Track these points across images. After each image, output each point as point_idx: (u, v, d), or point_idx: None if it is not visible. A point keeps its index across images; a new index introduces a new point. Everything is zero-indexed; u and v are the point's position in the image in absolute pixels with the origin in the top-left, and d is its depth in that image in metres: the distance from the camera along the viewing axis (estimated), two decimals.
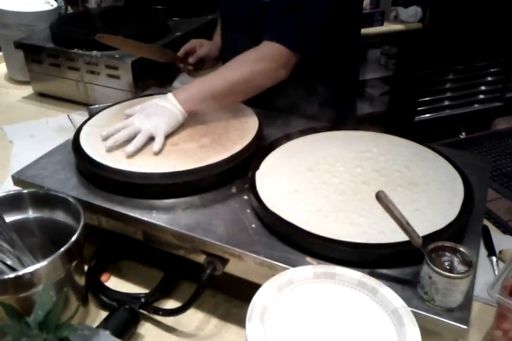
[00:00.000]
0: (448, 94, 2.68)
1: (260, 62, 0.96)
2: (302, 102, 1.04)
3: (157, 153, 0.87)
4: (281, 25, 0.97)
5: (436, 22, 2.38)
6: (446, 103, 2.69)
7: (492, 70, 2.70)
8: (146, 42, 1.39)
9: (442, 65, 2.54)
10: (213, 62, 1.30)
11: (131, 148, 0.87)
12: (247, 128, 0.96)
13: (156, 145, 0.88)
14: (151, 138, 0.90)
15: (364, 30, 2.34)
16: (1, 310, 0.60)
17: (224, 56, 1.21)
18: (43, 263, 0.66)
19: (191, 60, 1.26)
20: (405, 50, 2.58)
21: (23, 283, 0.66)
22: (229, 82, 0.95)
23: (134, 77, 1.32)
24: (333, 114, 1.02)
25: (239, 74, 0.95)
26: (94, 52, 1.34)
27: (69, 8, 1.75)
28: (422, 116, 2.65)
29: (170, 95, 0.95)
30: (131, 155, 0.86)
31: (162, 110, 0.92)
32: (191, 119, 0.99)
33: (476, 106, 2.75)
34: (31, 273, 0.65)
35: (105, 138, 0.90)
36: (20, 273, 0.65)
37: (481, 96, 2.75)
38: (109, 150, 0.88)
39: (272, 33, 0.97)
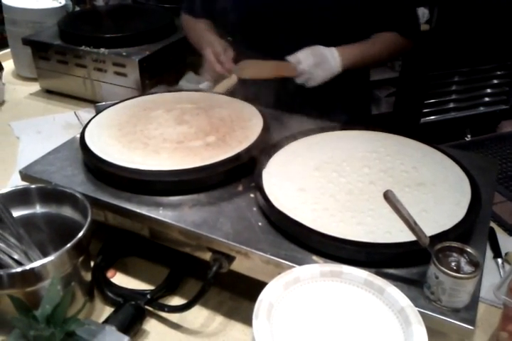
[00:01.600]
0: (453, 97, 2.67)
1: (397, 46, 1.20)
2: (313, 103, 1.08)
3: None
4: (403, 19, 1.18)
5: (443, 24, 2.37)
6: (452, 105, 2.68)
7: (498, 73, 2.68)
8: (153, 40, 1.40)
9: (449, 67, 2.53)
10: None
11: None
12: (252, 127, 0.96)
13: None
14: None
15: None
16: (9, 303, 0.60)
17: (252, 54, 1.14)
18: (51, 257, 0.66)
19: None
20: (412, 51, 2.57)
21: (31, 277, 0.66)
22: (378, 58, 1.20)
23: (141, 75, 1.33)
24: (344, 114, 1.06)
25: (386, 53, 1.19)
26: (102, 50, 1.35)
27: (76, 6, 1.74)
28: (428, 118, 2.64)
29: (339, 58, 1.08)
30: None
31: (327, 67, 1.07)
32: (196, 117, 0.99)
33: (482, 108, 2.74)
34: (39, 268, 0.66)
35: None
36: (28, 267, 0.65)
37: (487, 99, 2.74)
38: None
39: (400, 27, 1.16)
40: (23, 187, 0.82)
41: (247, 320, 0.58)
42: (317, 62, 1.07)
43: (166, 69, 1.44)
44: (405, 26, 1.19)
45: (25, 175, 0.89)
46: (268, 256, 0.71)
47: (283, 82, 1.06)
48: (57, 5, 1.58)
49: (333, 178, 0.83)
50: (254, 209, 0.80)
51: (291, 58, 1.08)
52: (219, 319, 0.80)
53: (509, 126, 2.77)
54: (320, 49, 1.09)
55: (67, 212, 0.80)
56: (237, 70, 1.07)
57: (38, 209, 0.82)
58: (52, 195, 0.81)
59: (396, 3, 1.17)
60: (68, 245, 0.69)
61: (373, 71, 2.74)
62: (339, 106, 1.10)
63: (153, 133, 0.94)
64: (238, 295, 0.83)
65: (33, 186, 0.82)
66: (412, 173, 0.85)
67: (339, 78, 1.11)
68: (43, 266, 0.66)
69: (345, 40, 1.13)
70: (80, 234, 0.71)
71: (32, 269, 0.65)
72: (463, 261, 0.64)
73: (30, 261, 0.75)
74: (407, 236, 0.68)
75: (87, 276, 0.78)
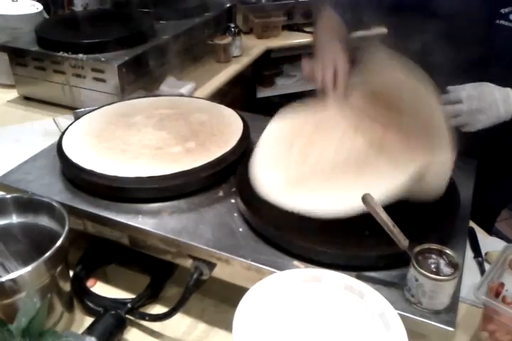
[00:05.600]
0: None
1: None
2: None
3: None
4: None
5: None
6: None
7: None
8: (132, 45, 1.39)
9: None
10: None
11: None
12: (232, 132, 0.96)
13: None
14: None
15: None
16: None
17: None
18: (27, 269, 0.65)
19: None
20: None
21: (6, 290, 0.65)
22: None
23: (121, 81, 1.32)
24: None
25: None
26: (80, 56, 1.33)
27: (45, 13, 1.70)
28: None
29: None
30: None
31: (493, 114, 0.88)
32: (175, 123, 0.99)
33: None
34: (14, 280, 0.64)
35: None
36: (3, 279, 0.64)
37: None
38: None
39: None
40: None
41: (230, 326, 0.57)
42: (482, 108, 0.89)
43: (145, 74, 1.43)
44: None
45: (1, 184, 0.88)
46: (249, 262, 0.71)
47: None
48: (34, 10, 1.56)
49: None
50: (235, 214, 0.80)
51: (452, 96, 0.90)
52: (202, 326, 0.79)
53: None
54: (490, 90, 0.90)
55: (45, 221, 0.79)
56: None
57: (15, 219, 0.80)
58: (28, 204, 0.79)
59: None
60: (45, 255, 0.67)
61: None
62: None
63: (132, 140, 0.93)
64: (221, 301, 0.83)
65: (8, 196, 0.80)
66: None
67: None
68: (19, 277, 0.65)
69: None
70: (58, 244, 0.69)
71: (7, 281, 0.64)
72: (442, 262, 0.65)
73: (8, 272, 0.74)
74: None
75: (66, 286, 0.76)
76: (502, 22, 0.93)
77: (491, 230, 1.19)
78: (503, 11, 0.92)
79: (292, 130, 0.88)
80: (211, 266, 0.75)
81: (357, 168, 0.78)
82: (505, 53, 0.96)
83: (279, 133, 0.89)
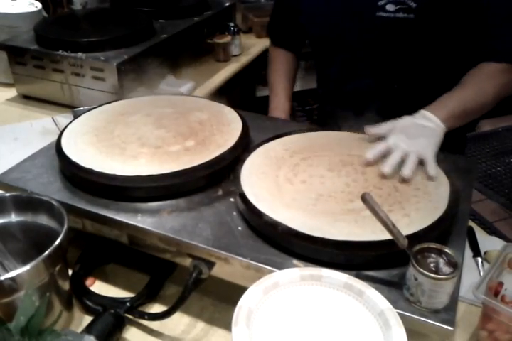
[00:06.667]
0: None
1: (504, 74, 0.96)
2: None
3: (433, 179, 0.82)
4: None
5: None
6: None
7: None
8: (132, 44, 1.39)
9: None
10: None
11: (406, 171, 0.81)
12: (231, 131, 0.95)
13: (431, 170, 0.83)
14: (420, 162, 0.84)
15: None
16: None
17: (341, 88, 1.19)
18: (26, 267, 0.65)
19: None
20: None
21: (5, 289, 0.65)
22: (480, 96, 0.94)
23: (120, 79, 1.31)
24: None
25: (490, 87, 0.95)
26: (79, 54, 1.33)
27: (43, 11, 1.70)
28: None
29: (429, 114, 0.89)
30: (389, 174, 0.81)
31: (425, 130, 0.87)
32: (174, 121, 0.98)
33: None
34: (13, 278, 0.64)
35: (370, 163, 0.85)
36: (2, 278, 0.64)
37: None
38: (390, 174, 0.82)
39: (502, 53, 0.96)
40: None
41: (229, 325, 0.57)
42: (410, 133, 0.87)
43: (144, 73, 1.42)
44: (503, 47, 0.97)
45: (0, 183, 0.87)
46: (248, 261, 0.71)
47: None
48: (33, 9, 1.56)
49: (313, 180, 0.83)
50: (234, 213, 0.80)
51: (373, 129, 0.91)
52: (200, 325, 0.79)
53: (488, 126, 2.81)
54: (406, 118, 0.90)
55: (44, 220, 0.79)
56: None
57: (13, 217, 0.80)
58: (27, 202, 0.79)
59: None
60: (44, 254, 0.67)
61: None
62: None
63: (131, 138, 0.93)
64: (220, 300, 0.82)
65: (7, 194, 0.80)
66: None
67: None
68: (18, 276, 0.64)
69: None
70: (57, 243, 0.69)
71: (6, 280, 0.64)
72: (441, 261, 0.65)
73: (6, 271, 0.74)
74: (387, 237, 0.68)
75: (65, 285, 0.76)
76: (381, 13, 0.99)
77: (490, 229, 1.19)
78: (379, 3, 0.98)
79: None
80: (210, 264, 0.75)
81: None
82: (389, 43, 1.03)
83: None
